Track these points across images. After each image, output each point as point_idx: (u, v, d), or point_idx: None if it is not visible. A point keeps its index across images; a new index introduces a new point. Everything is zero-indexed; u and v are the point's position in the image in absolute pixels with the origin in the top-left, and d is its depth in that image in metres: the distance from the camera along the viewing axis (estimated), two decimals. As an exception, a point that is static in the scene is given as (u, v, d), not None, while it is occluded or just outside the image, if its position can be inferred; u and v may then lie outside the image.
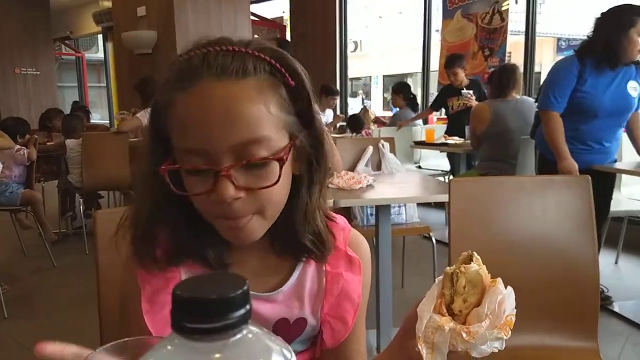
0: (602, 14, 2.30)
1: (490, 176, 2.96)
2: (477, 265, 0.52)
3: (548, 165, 2.41)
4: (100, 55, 10.62)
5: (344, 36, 6.09)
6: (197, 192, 0.55)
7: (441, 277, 0.52)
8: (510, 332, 0.48)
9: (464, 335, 0.48)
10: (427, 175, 2.96)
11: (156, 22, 4.98)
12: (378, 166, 2.80)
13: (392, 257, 1.97)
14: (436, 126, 5.16)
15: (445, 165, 4.47)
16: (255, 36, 6.72)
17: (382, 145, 2.81)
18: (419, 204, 3.26)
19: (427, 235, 2.68)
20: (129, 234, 0.60)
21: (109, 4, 6.82)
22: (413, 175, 2.47)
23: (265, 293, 0.64)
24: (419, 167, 4.64)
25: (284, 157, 0.55)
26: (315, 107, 0.60)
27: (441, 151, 4.08)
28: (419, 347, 0.49)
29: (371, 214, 2.45)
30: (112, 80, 8.91)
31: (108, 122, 8.55)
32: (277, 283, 0.65)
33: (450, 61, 4.08)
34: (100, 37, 9.85)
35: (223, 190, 0.53)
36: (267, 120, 0.54)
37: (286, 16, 7.25)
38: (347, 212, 2.55)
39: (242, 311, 0.27)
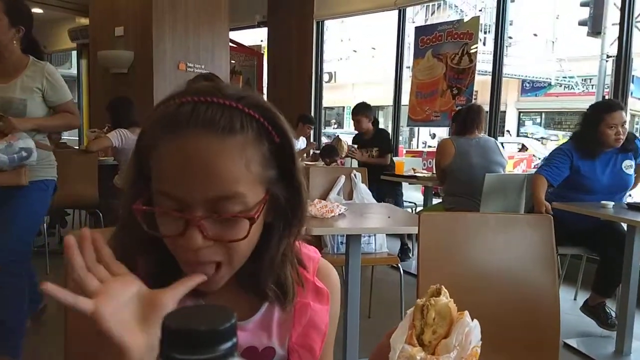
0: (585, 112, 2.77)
1: (456, 211, 3.06)
2: (446, 299, 0.55)
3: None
4: (74, 71, 10.46)
5: (319, 67, 6.23)
6: (167, 234, 0.57)
7: (412, 309, 0.55)
8: None
9: None
10: (400, 209, 3.03)
11: (133, 42, 4.98)
12: (350, 195, 2.86)
13: (360, 286, 2.00)
14: (406, 159, 5.29)
15: (414, 197, 4.57)
16: (233, 62, 6.79)
17: (355, 175, 2.88)
18: (389, 235, 3.32)
19: (395, 266, 2.71)
20: None
21: (85, 22, 6.78)
22: (383, 206, 2.52)
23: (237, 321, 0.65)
24: (389, 198, 4.73)
25: (255, 216, 0.56)
26: (299, 164, 0.62)
27: (410, 183, 4.18)
28: None
29: (342, 243, 2.48)
30: (84, 98, 8.76)
31: (77, 139, 8.37)
32: (247, 312, 0.66)
33: (356, 109, 4.30)
34: (74, 53, 9.73)
35: (191, 239, 0.54)
36: (245, 178, 0.55)
37: (264, 44, 7.36)
38: (318, 240, 2.57)
39: (229, 344, 0.27)
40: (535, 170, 3.09)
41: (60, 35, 9.02)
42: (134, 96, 4.23)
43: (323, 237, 2.57)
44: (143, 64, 4.91)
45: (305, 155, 5.10)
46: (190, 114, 0.54)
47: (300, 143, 5.14)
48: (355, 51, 20.05)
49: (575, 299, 3.18)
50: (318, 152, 4.90)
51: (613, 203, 2.48)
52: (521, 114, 19.26)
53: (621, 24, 3.63)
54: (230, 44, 5.95)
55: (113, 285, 0.50)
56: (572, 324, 2.79)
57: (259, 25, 7.02)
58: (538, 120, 18.71)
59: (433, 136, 13.91)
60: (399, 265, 2.61)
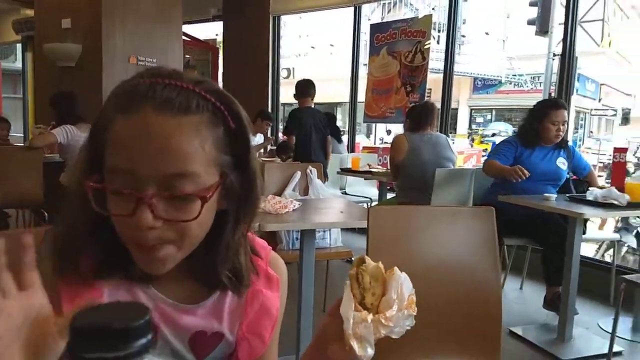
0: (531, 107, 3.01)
1: (410, 206, 3.12)
2: (373, 262, 0.59)
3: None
4: (19, 65, 9.96)
5: (276, 63, 6.20)
6: (116, 213, 0.56)
7: (348, 281, 0.57)
8: (416, 309, 0.56)
9: (383, 321, 0.54)
10: (351, 202, 3.06)
11: (82, 35, 4.79)
12: (305, 191, 2.87)
13: (315, 280, 2.01)
14: (362, 155, 5.36)
15: (370, 192, 4.64)
16: (187, 56, 6.66)
17: (310, 171, 2.89)
18: (343, 229, 3.35)
19: (350, 259, 2.75)
20: (53, 249, 0.59)
21: (30, 13, 6.46)
22: (338, 201, 2.55)
23: (187, 305, 0.65)
24: (345, 193, 4.78)
25: (208, 196, 0.56)
26: (253, 153, 0.62)
27: (365, 179, 4.24)
28: (351, 343, 0.53)
29: (297, 238, 2.49)
30: (30, 92, 8.36)
31: (22, 135, 7.98)
32: (199, 297, 0.66)
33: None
34: (19, 46, 9.26)
35: (141, 217, 0.54)
36: (200, 156, 0.55)
37: (220, 39, 7.25)
38: (273, 236, 2.57)
39: (143, 340, 0.27)
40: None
41: (4, 27, 8.57)
42: (82, 90, 4.07)
43: (278, 233, 2.57)
44: (92, 57, 4.72)
45: (262, 151, 5.08)
46: (146, 92, 0.55)
47: (258, 139, 5.11)
48: (313, 47, 20.07)
49: (521, 289, 3.33)
50: (275, 148, 4.89)
51: (556, 195, 2.61)
52: (473, 111, 19.90)
53: (566, 23, 3.80)
54: (184, 38, 5.82)
55: (12, 303, 0.45)
56: (517, 313, 2.92)
57: (214, 19, 6.91)
58: (488, 117, 19.37)
59: (388, 132, 14.14)
60: (353, 258, 2.64)
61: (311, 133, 4.15)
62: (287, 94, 4.37)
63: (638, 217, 3.67)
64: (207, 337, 0.66)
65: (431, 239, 1.35)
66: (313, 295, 2.00)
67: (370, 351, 0.54)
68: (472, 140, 15.85)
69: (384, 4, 16.32)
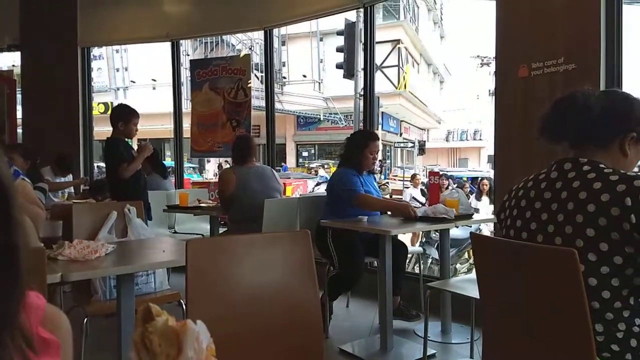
0: (349, 136, 3.27)
1: (227, 236, 3.12)
2: (162, 317, 0.51)
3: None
4: None
5: (87, 97, 5.70)
6: None
7: (132, 350, 0.50)
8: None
9: None
10: (178, 240, 2.92)
11: None
12: (124, 232, 2.64)
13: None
14: (191, 190, 5.20)
15: (201, 228, 4.50)
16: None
17: (129, 210, 2.67)
18: (173, 270, 3.16)
19: (180, 302, 2.59)
20: None
21: None
22: (161, 241, 2.40)
23: None
24: (175, 232, 4.55)
25: None
26: (17, 213, 0.52)
27: (195, 214, 4.10)
28: None
29: (114, 286, 2.26)
30: None
31: None
32: None
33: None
34: None
35: None
36: None
37: (18, 70, 6.38)
38: (86, 287, 2.29)
39: None
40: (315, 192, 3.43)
41: None
42: None
43: (93, 282, 2.30)
44: None
45: (74, 192, 4.55)
46: None
47: (69, 178, 4.60)
48: (133, 82, 19.08)
49: (347, 306, 3.54)
50: (88, 188, 4.44)
51: (367, 217, 2.89)
52: (298, 146, 21.11)
53: (366, 68, 4.30)
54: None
55: None
56: (346, 330, 3.10)
57: (9, 49, 6.09)
58: (312, 151, 20.71)
59: (219, 167, 14.05)
60: (182, 301, 2.50)
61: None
62: (107, 130, 3.82)
63: (436, 231, 4.24)
64: None
65: (253, 265, 1.36)
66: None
67: None
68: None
69: (206, 42, 16.47)
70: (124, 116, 3.55)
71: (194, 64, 5.28)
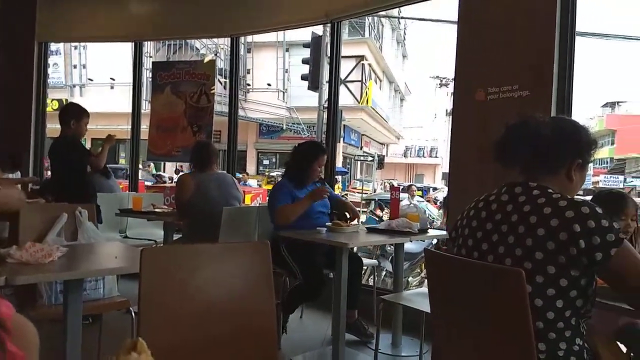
0: (296, 147, 3.24)
1: (182, 245, 3.07)
2: (137, 354, 0.52)
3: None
4: None
5: (42, 93, 5.48)
6: None
7: None
8: None
9: None
10: (130, 246, 2.84)
11: None
12: (74, 236, 2.55)
13: (87, 337, 1.78)
14: (145, 194, 5.07)
15: (155, 234, 4.38)
16: None
17: (80, 212, 2.59)
18: (123, 276, 3.06)
19: (129, 310, 2.51)
20: None
21: None
22: (113, 246, 2.33)
23: None
24: (126, 236, 4.42)
25: None
26: None
27: (148, 219, 4.00)
28: None
29: (60, 291, 2.17)
30: None
31: None
32: None
33: None
34: None
35: None
36: None
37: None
38: (30, 291, 2.19)
39: None
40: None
41: None
42: None
43: (38, 286, 2.20)
44: None
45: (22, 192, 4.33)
46: None
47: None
48: (91, 80, 18.46)
49: (301, 318, 3.54)
50: (38, 187, 4.24)
51: (326, 229, 2.91)
52: (260, 154, 20.99)
53: (330, 82, 4.35)
54: None
55: None
56: (299, 342, 3.09)
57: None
58: (274, 160, 20.65)
59: (177, 172, 13.76)
60: (132, 308, 2.43)
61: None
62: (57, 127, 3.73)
63: (391, 245, 4.32)
64: None
65: (210, 275, 1.35)
66: (80, 354, 1.76)
67: None
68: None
69: (169, 44, 16.18)
70: (76, 115, 3.49)
71: (156, 66, 5.20)
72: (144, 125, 5.26)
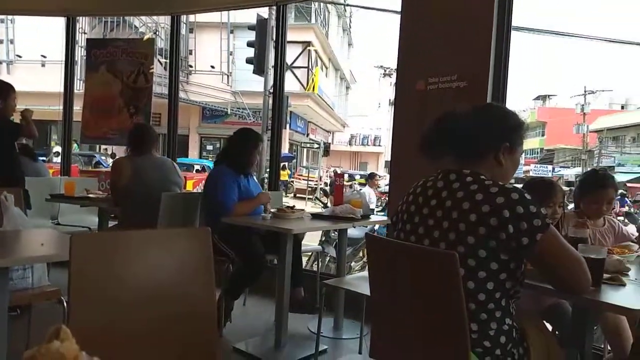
0: (235, 132, 3.24)
1: (118, 232, 2.95)
2: (60, 342, 0.50)
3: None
4: None
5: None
6: None
7: None
8: None
9: None
10: (61, 233, 2.69)
11: None
12: (-1, 223, 2.37)
13: (15, 329, 1.67)
14: (79, 179, 4.82)
15: (89, 220, 4.18)
16: None
17: (5, 197, 2.41)
18: (54, 264, 2.90)
19: (61, 300, 2.39)
20: None
21: None
22: (41, 233, 2.20)
23: None
24: (58, 223, 4.19)
25: None
26: None
27: (81, 205, 3.81)
28: None
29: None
30: None
31: None
32: None
33: None
34: None
35: None
36: None
37: None
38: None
39: None
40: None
41: None
42: None
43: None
44: None
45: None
46: None
47: None
48: (19, 56, 17.17)
49: (244, 304, 3.52)
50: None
51: (270, 214, 2.90)
52: (203, 139, 20.48)
53: (276, 67, 4.29)
54: None
55: None
56: (241, 328, 3.07)
57: None
58: (217, 145, 20.22)
59: (113, 156, 13.12)
60: (63, 298, 2.31)
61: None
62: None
63: (335, 230, 4.37)
64: None
65: (147, 262, 1.30)
66: (6, 345, 1.66)
67: None
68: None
69: (106, 22, 15.33)
70: (4, 92, 3.26)
71: (91, 43, 4.91)
72: (77, 106, 4.98)
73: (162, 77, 8.49)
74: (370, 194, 8.12)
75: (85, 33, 13.26)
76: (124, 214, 3.31)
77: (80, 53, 5.77)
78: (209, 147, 20.56)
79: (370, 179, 10.22)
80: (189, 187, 7.44)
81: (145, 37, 12.16)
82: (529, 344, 1.36)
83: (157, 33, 14.78)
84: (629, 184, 19.90)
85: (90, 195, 3.61)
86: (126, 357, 1.17)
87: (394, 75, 3.52)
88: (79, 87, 5.42)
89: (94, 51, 4.80)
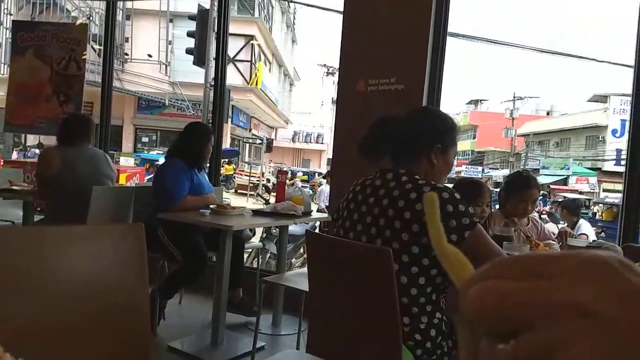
0: (188, 126, 3.19)
1: (45, 226, 2.80)
2: None
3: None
4: None
5: None
6: None
7: None
8: None
9: None
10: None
11: None
12: None
13: None
14: (1, 170, 4.49)
15: (12, 214, 3.91)
16: None
17: None
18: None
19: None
20: None
21: None
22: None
23: None
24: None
25: None
26: None
27: (4, 198, 3.56)
28: None
29: None
30: None
31: None
32: None
33: None
34: None
35: None
36: None
37: None
38: None
39: None
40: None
41: None
42: None
43: None
44: None
45: None
46: None
47: None
48: None
49: (180, 303, 3.43)
50: None
51: (210, 211, 2.85)
52: (138, 130, 19.66)
53: (217, 59, 4.20)
54: None
55: None
56: (177, 327, 3.00)
57: None
58: (154, 137, 19.53)
59: (40, 146, 12.30)
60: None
61: None
62: None
63: (276, 227, 4.37)
64: None
65: (74, 261, 1.24)
66: None
67: None
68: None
69: (34, 2, 14.33)
70: None
71: (17, 25, 4.56)
72: (1, 92, 4.63)
73: (95, 64, 8.07)
74: (328, 192, 8.17)
75: (11, 14, 12.32)
76: (51, 207, 3.13)
77: (5, 35, 5.36)
78: (145, 139, 19.79)
79: (329, 176, 10.29)
80: (122, 181, 7.14)
81: (78, 21, 11.49)
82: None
83: (91, 18, 14.00)
84: (552, 186, 21.38)
85: (15, 187, 3.38)
86: (54, 355, 1.12)
87: (337, 75, 3.56)
88: (3, 71, 5.04)
89: (20, 34, 4.47)
